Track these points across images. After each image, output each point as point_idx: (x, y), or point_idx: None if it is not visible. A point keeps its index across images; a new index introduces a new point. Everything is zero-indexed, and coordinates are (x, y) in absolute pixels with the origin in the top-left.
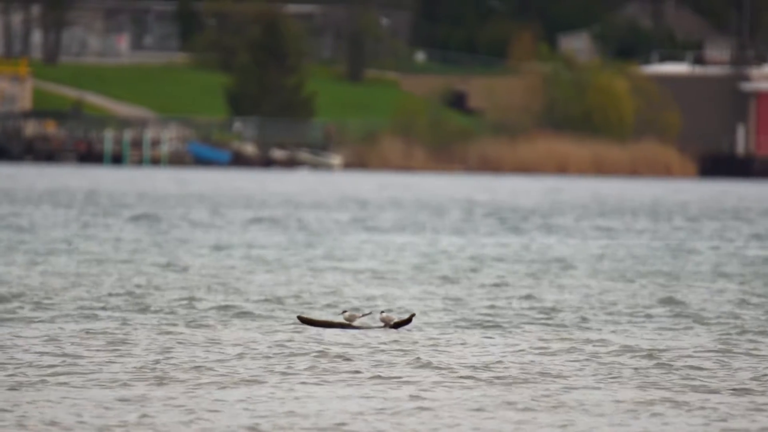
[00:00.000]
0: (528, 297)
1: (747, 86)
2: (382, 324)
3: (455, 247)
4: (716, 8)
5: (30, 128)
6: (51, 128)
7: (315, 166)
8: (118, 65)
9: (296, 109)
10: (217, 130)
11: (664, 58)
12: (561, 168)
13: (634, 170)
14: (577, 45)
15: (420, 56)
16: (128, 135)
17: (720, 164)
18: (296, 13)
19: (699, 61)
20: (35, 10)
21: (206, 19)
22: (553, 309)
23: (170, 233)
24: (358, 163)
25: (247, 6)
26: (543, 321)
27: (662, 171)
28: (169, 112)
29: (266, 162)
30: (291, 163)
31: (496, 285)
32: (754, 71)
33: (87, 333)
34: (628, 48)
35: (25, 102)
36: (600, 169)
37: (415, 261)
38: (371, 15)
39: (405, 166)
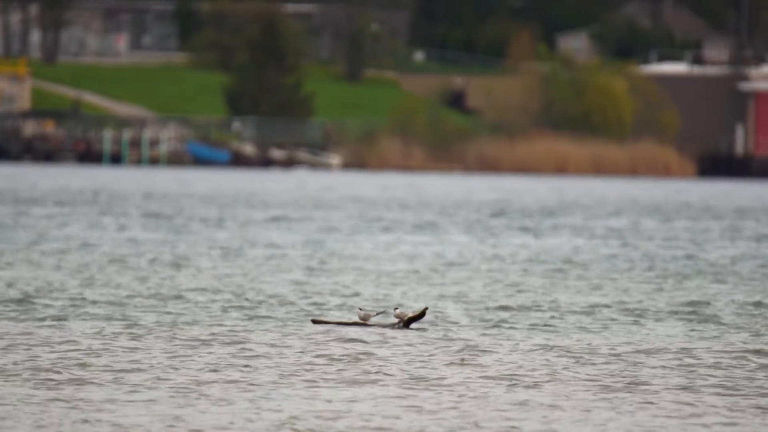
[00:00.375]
0: (548, 297)
1: (745, 86)
2: (396, 320)
3: (470, 247)
4: (715, 8)
5: (29, 128)
6: (50, 128)
7: (313, 165)
8: (116, 65)
9: (295, 108)
10: (216, 129)
11: (663, 58)
12: (560, 168)
13: (633, 170)
14: (576, 45)
15: (419, 56)
16: (127, 135)
17: (719, 164)
18: (295, 12)
19: (697, 60)
20: (34, 9)
21: (204, 12)
22: (574, 309)
23: (186, 233)
24: (356, 162)
25: (246, 6)
26: (566, 321)
27: (661, 171)
28: (167, 112)
29: (265, 162)
30: (290, 163)
31: (514, 284)
32: (753, 71)
33: (113, 334)
34: (627, 48)
35: (24, 102)
36: (599, 169)
37: (431, 260)
38: (370, 15)
39: (404, 165)
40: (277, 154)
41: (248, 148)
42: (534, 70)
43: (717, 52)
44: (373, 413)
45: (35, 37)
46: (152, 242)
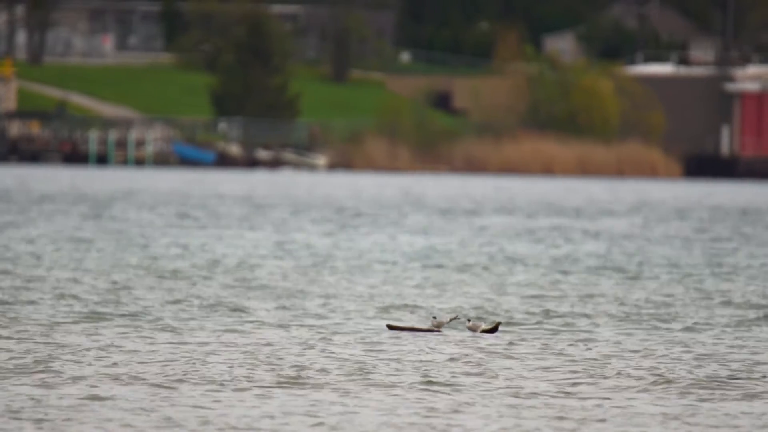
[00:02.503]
0: (616, 299)
1: (731, 87)
2: (469, 332)
3: (519, 249)
4: (701, 9)
5: (14, 129)
6: (35, 129)
7: (299, 166)
8: (102, 65)
9: (281, 109)
10: (202, 130)
11: (649, 59)
12: (546, 168)
13: (619, 171)
14: (562, 45)
15: (405, 57)
16: (113, 135)
17: (705, 165)
18: (281, 13)
19: (683, 61)
20: (19, 10)
21: (190, 12)
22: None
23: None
24: (342, 163)
25: (232, 6)
26: (625, 323)
27: (647, 171)
28: (153, 113)
29: (251, 162)
30: (276, 164)
31: (583, 286)
32: (739, 72)
33: (179, 334)
34: (613, 48)
35: (10, 102)
36: (585, 169)
37: (480, 263)
38: (356, 15)
39: (390, 166)
40: (263, 154)
41: (234, 149)
42: (520, 71)
43: (703, 53)
44: (479, 421)
45: (21, 37)
46: (207, 245)
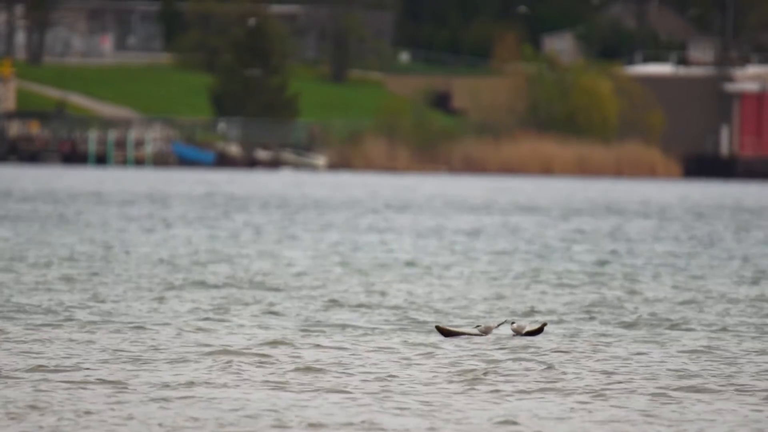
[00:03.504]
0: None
1: (730, 87)
2: (513, 334)
3: (553, 250)
4: (700, 9)
5: (14, 129)
6: (35, 129)
7: (299, 166)
8: (101, 66)
9: (280, 109)
10: (201, 130)
11: (648, 59)
12: (545, 168)
13: (618, 171)
14: (561, 46)
15: (404, 57)
16: (112, 135)
17: (704, 165)
18: (280, 13)
19: (682, 61)
20: (19, 10)
21: (189, 13)
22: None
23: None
24: (342, 163)
25: (231, 6)
26: (655, 327)
27: (647, 171)
28: (153, 113)
29: (250, 162)
30: (275, 164)
31: (623, 286)
32: (738, 72)
33: (247, 338)
34: (612, 48)
35: (9, 103)
36: (584, 169)
37: (511, 264)
38: (355, 16)
39: (389, 166)
40: (262, 154)
41: (233, 149)
42: (519, 71)
43: (702, 53)
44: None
45: (20, 37)
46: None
